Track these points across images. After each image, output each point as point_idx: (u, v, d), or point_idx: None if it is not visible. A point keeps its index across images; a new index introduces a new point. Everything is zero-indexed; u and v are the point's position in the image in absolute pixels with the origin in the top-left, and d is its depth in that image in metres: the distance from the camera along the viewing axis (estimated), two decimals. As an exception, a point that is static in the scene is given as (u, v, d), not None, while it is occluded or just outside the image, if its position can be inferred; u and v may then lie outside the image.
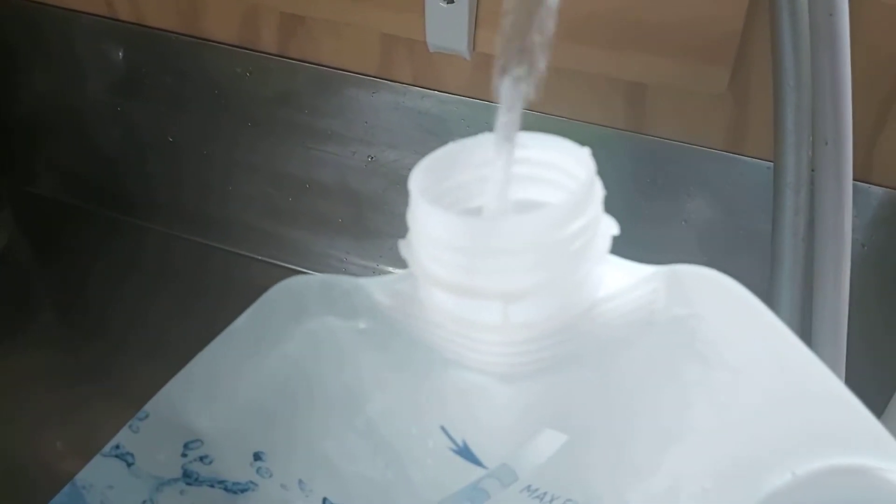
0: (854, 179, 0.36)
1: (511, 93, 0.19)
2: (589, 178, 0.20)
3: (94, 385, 0.57)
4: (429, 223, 0.19)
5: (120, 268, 0.65)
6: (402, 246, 0.21)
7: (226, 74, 0.58)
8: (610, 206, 0.56)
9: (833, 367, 0.40)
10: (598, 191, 0.20)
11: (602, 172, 0.59)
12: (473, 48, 0.49)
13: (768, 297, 0.43)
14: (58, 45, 0.63)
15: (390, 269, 0.63)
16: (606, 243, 0.21)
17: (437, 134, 0.55)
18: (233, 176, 0.63)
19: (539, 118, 0.51)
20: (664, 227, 0.52)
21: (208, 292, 0.64)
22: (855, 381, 0.40)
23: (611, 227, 0.21)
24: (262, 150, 0.61)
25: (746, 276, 0.51)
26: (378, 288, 0.22)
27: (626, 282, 0.22)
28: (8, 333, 0.61)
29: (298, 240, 0.64)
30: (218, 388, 0.22)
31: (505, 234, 0.19)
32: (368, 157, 0.58)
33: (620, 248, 0.60)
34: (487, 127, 0.60)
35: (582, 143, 0.57)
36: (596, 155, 0.59)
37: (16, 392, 0.57)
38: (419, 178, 0.20)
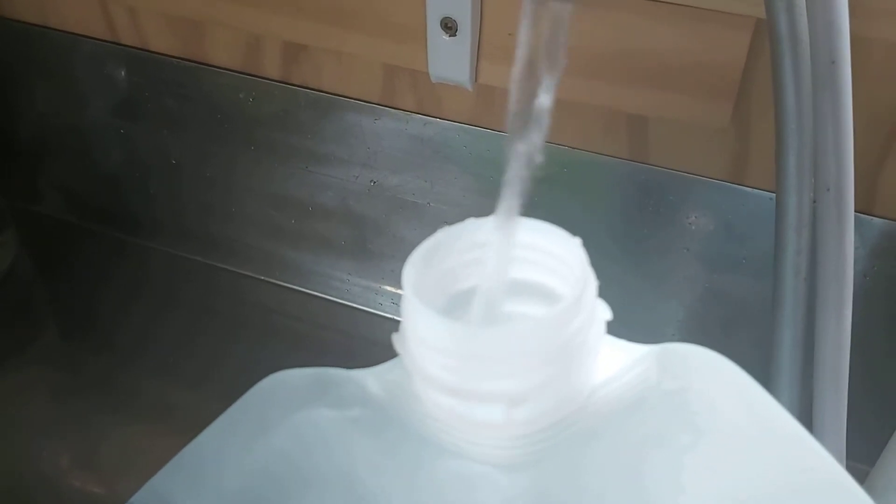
0: (855, 211, 0.36)
1: (514, 180, 0.20)
2: (583, 273, 0.20)
3: (98, 402, 0.58)
4: (429, 331, 0.19)
5: (123, 286, 0.66)
6: (396, 340, 0.20)
7: (228, 99, 0.58)
8: (613, 234, 0.56)
9: (835, 406, 0.40)
10: (592, 282, 0.20)
11: (605, 200, 0.58)
12: (475, 79, 0.49)
13: (770, 334, 0.43)
14: (61, 68, 0.63)
15: (391, 288, 0.63)
16: (602, 330, 0.21)
17: (440, 160, 0.55)
18: (235, 198, 0.64)
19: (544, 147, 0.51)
20: (666, 254, 0.52)
21: (211, 311, 0.65)
22: (857, 413, 0.40)
23: (605, 314, 0.21)
24: (264, 172, 0.61)
25: (747, 302, 0.51)
26: (370, 379, 0.22)
27: (620, 363, 0.22)
28: (12, 351, 0.62)
29: (301, 261, 0.65)
30: (207, 477, 0.22)
31: (507, 342, 0.19)
32: (371, 181, 0.58)
33: (624, 276, 0.59)
34: (489, 154, 0.59)
35: (586, 171, 0.56)
36: (599, 183, 0.59)
37: (20, 408, 0.58)
38: (411, 275, 0.20)
